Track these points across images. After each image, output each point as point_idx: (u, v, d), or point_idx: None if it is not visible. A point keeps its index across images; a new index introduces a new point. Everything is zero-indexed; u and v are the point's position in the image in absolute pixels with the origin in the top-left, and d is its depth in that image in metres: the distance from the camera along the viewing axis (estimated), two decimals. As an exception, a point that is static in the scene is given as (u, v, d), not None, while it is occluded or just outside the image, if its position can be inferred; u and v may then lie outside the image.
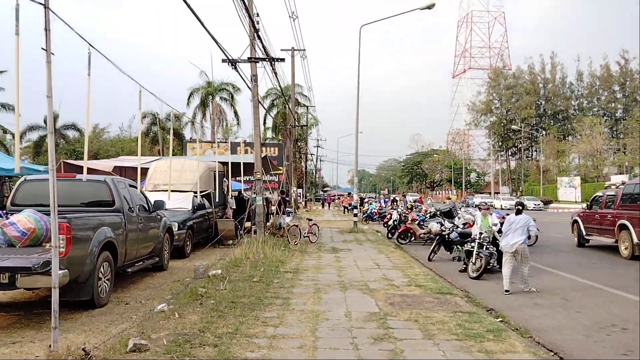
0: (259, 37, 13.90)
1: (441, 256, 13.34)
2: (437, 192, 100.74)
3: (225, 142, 30.60)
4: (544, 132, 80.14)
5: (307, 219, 19.87)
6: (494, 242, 10.78)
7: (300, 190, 52.27)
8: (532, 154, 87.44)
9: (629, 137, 64.42)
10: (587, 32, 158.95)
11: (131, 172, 18.25)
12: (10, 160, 13.70)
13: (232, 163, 17.77)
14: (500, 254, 9.94)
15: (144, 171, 16.03)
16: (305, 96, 46.38)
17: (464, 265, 11.20)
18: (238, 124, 45.70)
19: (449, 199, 46.37)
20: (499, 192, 67.74)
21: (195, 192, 14.16)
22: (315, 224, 17.42)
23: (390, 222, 19.59)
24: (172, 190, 13.77)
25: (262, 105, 31.90)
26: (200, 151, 32.83)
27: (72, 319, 6.66)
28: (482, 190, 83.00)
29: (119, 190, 8.53)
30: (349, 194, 51.53)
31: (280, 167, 29.82)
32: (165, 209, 11.31)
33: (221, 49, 12.68)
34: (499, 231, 10.53)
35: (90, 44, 5.20)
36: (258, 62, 14.56)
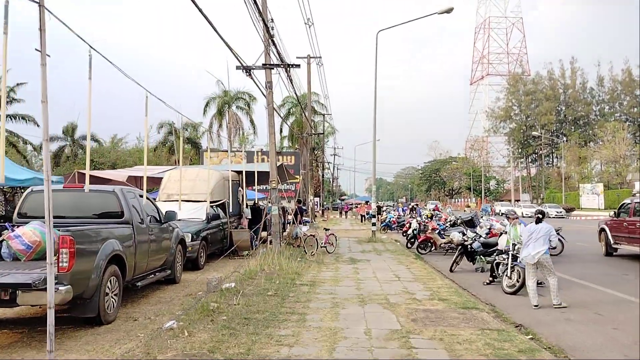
0: (273, 43, 13.61)
1: (463, 267, 12.83)
2: (456, 200, 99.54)
3: (240, 151, 30.38)
4: (564, 139, 78.71)
5: (324, 228, 19.52)
6: (501, 253, 10.29)
7: (317, 199, 51.89)
8: (552, 161, 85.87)
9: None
10: (608, 36, 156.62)
11: (146, 182, 18.10)
12: (23, 171, 13.58)
13: (247, 172, 17.47)
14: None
15: (159, 181, 15.83)
16: (322, 104, 46.16)
17: (491, 278, 10.62)
18: (254, 132, 45.66)
19: (468, 206, 45.62)
20: (519, 200, 66.59)
21: (211, 202, 13.86)
22: (333, 234, 17.01)
23: (410, 232, 19.10)
24: (186, 200, 13.52)
25: (279, 114, 31.74)
26: (217, 160, 32.74)
27: (76, 336, 6.34)
28: (502, 198, 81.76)
29: (128, 200, 8.23)
30: (367, 202, 51.02)
31: (297, 176, 29.52)
32: (179, 220, 11.03)
33: (235, 55, 12.44)
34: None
35: (91, 46, 4.91)
36: (273, 68, 14.26)
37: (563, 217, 43.95)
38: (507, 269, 9.73)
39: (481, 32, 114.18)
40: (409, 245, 18.49)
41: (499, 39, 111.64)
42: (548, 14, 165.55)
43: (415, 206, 36.14)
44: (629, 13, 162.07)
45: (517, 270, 9.50)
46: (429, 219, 19.20)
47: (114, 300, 7.12)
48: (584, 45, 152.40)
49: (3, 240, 7.06)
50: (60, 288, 5.81)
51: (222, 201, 14.96)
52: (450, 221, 18.95)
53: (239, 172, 17.39)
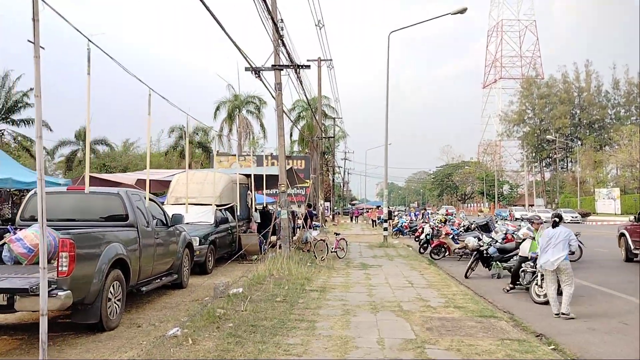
0: (283, 43, 13.37)
1: (479, 273, 12.45)
2: (469, 205, 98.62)
3: (249, 155, 30.21)
4: (579, 142, 77.65)
5: (334, 233, 19.20)
6: (525, 259, 9.89)
7: (327, 204, 51.54)
8: (567, 165, 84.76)
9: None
10: (623, 39, 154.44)
11: (155, 185, 17.95)
12: (30, 174, 13.44)
13: (256, 176, 17.23)
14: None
15: (168, 184, 15.66)
16: (333, 108, 45.89)
17: (511, 285, 10.20)
18: (264, 137, 45.47)
19: (481, 211, 45.01)
20: (533, 205, 65.74)
21: (217, 205, 13.63)
22: (344, 239, 16.67)
23: (423, 236, 18.73)
24: (194, 204, 13.31)
25: (288, 117, 31.50)
26: (227, 164, 32.56)
27: (76, 343, 6.09)
28: (516, 202, 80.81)
29: (132, 203, 7.98)
30: (378, 207, 50.61)
31: (307, 180, 29.25)
32: (187, 223, 10.79)
33: (244, 56, 12.22)
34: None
35: (90, 40, 4.68)
36: (282, 69, 14.01)
37: (578, 222, 43.19)
38: (536, 276, 9.29)
39: (494, 35, 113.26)
40: (422, 250, 18.14)
41: (512, 42, 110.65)
42: (562, 16, 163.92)
43: (423, 211, 35.74)
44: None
45: None
46: (443, 224, 18.80)
47: (116, 306, 6.87)
48: (599, 48, 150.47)
49: (4, 243, 6.85)
50: (59, 293, 5.58)
51: (230, 204, 14.72)
52: (464, 226, 18.56)
53: (248, 176, 17.16)
